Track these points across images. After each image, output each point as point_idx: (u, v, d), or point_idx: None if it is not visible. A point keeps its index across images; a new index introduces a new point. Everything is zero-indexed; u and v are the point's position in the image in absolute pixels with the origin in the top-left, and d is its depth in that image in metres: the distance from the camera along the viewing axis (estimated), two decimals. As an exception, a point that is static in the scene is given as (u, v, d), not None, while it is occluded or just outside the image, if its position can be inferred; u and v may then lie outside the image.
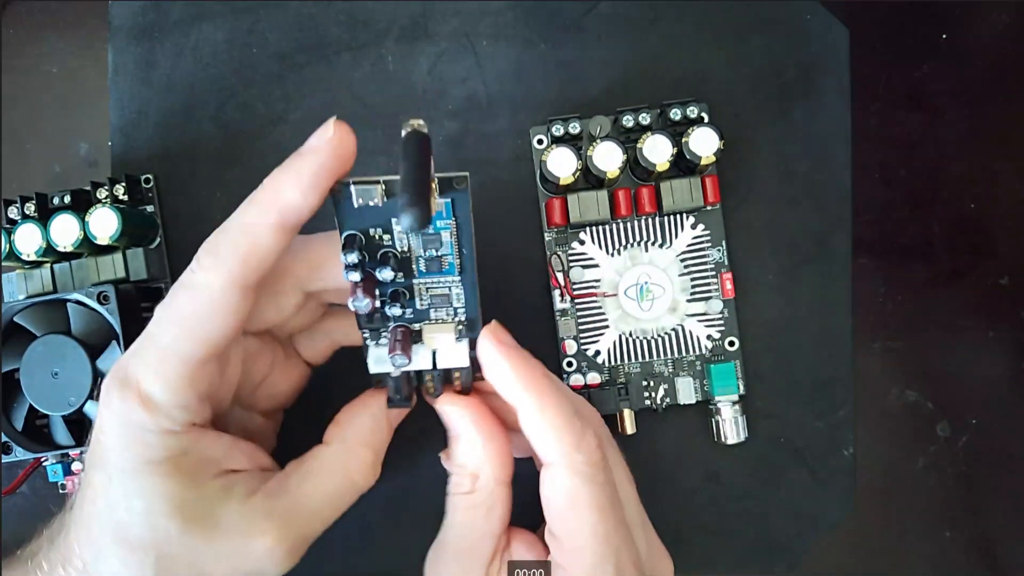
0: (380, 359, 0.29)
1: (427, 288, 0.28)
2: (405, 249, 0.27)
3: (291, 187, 0.26)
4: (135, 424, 0.26)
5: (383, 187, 0.25)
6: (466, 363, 0.30)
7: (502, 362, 0.28)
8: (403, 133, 0.24)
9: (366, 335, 0.29)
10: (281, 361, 0.33)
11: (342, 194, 0.25)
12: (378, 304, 0.28)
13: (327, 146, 0.25)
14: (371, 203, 0.25)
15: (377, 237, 0.27)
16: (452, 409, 0.30)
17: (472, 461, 0.30)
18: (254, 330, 0.31)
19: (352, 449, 0.30)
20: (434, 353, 0.29)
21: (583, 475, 0.28)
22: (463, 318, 0.29)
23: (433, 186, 0.24)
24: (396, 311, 0.28)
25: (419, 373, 0.30)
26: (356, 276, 0.26)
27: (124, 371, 0.27)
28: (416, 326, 0.29)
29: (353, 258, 0.26)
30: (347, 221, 0.26)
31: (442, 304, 0.29)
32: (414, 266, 0.28)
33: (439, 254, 0.27)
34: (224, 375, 0.29)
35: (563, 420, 0.28)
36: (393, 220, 0.26)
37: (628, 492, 0.31)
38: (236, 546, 0.27)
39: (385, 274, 0.27)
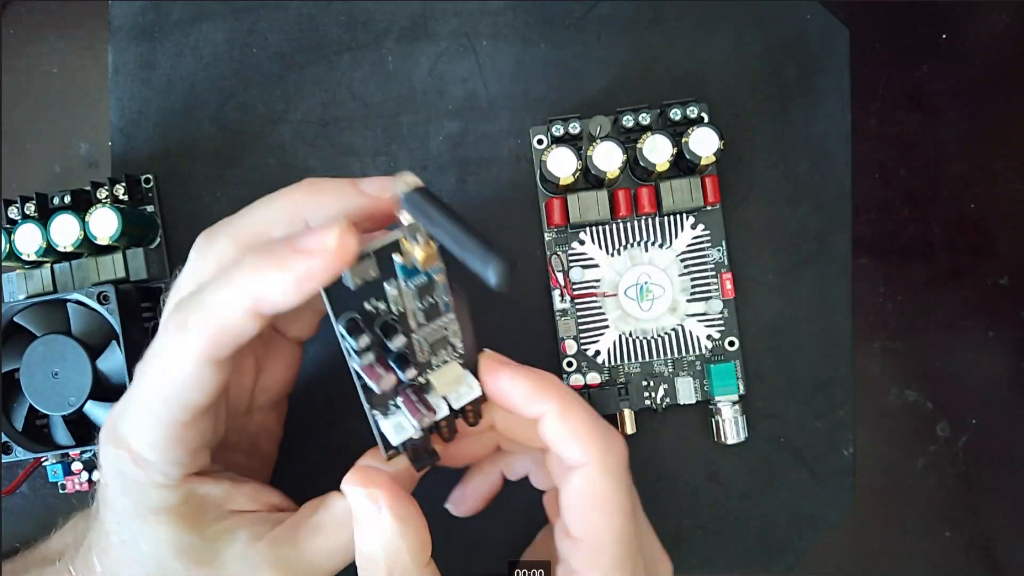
0: (399, 427, 0.27)
1: (426, 340, 0.27)
2: (401, 310, 0.26)
3: (275, 284, 0.23)
4: (130, 477, 0.26)
5: (375, 259, 0.24)
6: (479, 392, 0.28)
7: (515, 378, 0.28)
8: (401, 192, 0.23)
9: (375, 414, 0.27)
10: (267, 351, 0.31)
11: (335, 284, 0.24)
12: (399, 376, 0.26)
13: (324, 255, 0.23)
14: (369, 279, 0.24)
15: (372, 308, 0.25)
16: (354, 490, 0.26)
17: (384, 551, 0.26)
18: None
19: None
20: (446, 398, 0.28)
21: (615, 476, 0.27)
22: (463, 352, 0.28)
23: (432, 243, 0.24)
24: (411, 373, 0.26)
25: (436, 423, 0.28)
26: (371, 357, 0.25)
27: (114, 428, 0.27)
28: (422, 379, 0.28)
29: (365, 341, 0.24)
30: (342, 305, 0.24)
31: (442, 348, 0.28)
32: (411, 322, 0.26)
33: (434, 299, 0.26)
34: (216, 418, 0.28)
35: (591, 421, 0.28)
36: (386, 284, 0.25)
37: (636, 498, 0.30)
38: None
39: (397, 341, 0.25)
